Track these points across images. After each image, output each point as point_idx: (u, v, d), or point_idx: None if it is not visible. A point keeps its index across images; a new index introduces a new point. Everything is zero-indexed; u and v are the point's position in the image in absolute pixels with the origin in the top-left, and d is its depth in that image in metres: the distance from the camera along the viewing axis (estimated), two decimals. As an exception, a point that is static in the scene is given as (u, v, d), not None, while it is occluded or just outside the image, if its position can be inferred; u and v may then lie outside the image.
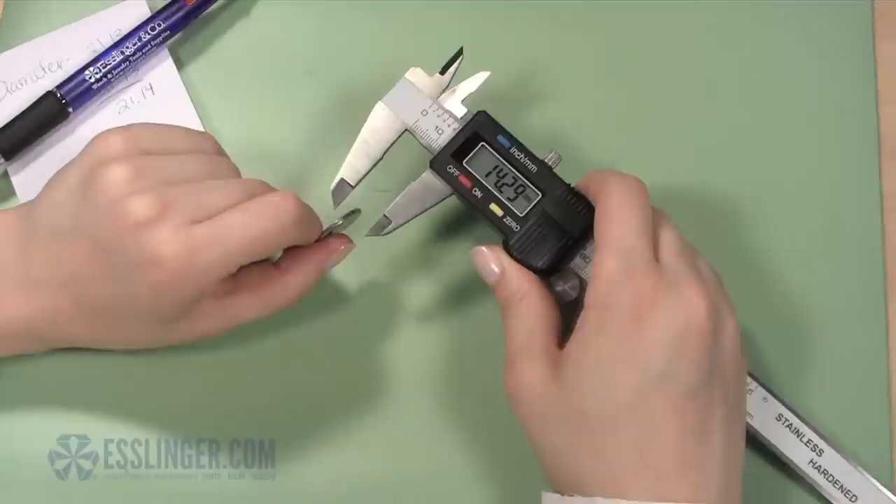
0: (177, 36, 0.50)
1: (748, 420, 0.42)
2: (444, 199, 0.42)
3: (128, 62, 0.48)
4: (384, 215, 0.42)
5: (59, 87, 0.48)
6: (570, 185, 0.42)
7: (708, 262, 0.41)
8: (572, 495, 0.37)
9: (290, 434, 0.45)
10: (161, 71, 0.50)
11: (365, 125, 0.43)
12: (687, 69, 0.51)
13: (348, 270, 0.47)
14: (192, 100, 0.49)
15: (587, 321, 0.38)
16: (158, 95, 0.49)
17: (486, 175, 0.42)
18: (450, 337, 0.46)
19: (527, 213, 0.42)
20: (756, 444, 0.43)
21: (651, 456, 0.36)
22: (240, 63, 0.50)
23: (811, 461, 0.43)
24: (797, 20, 0.51)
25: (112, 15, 0.50)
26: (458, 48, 0.44)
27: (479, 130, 0.42)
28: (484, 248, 0.42)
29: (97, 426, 0.45)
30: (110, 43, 0.49)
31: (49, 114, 0.47)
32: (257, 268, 0.43)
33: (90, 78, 0.48)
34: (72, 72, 0.48)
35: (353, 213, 0.43)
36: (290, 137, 0.49)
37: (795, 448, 0.43)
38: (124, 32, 0.49)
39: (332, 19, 0.51)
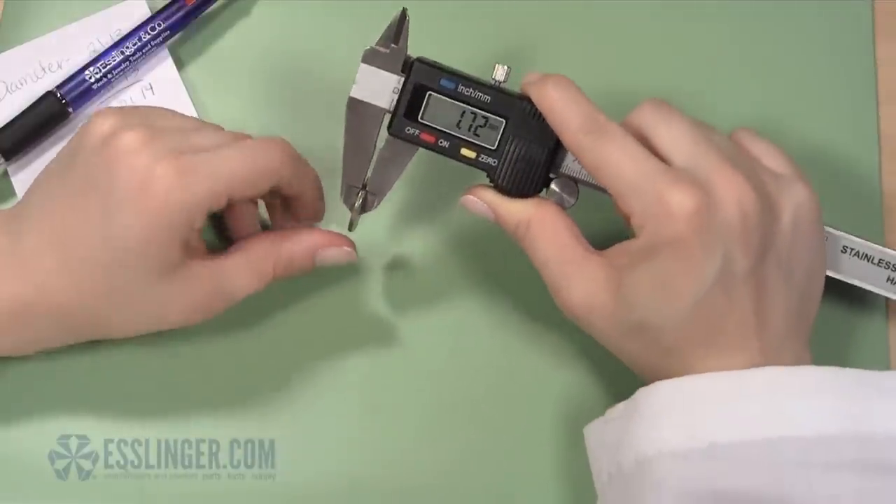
0: (177, 36, 0.50)
1: None
2: (415, 154, 0.42)
3: (128, 62, 0.48)
4: (368, 192, 0.42)
5: (59, 87, 0.48)
6: (528, 97, 0.41)
7: (719, 132, 0.41)
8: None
9: (290, 434, 0.45)
10: (161, 71, 0.50)
11: (345, 125, 0.42)
12: (685, 68, 0.51)
13: (348, 270, 0.47)
14: (192, 100, 0.49)
15: (634, 250, 0.39)
16: (158, 95, 0.49)
17: (446, 122, 0.41)
18: (450, 336, 0.46)
19: (498, 144, 0.41)
20: (828, 284, 0.42)
21: (716, 338, 0.38)
22: (240, 63, 0.50)
23: (889, 279, 0.43)
24: (797, 20, 0.51)
25: (112, 15, 0.50)
26: (400, 11, 0.42)
27: (421, 80, 0.41)
28: (469, 196, 0.42)
29: (97, 426, 0.45)
30: (110, 43, 0.49)
31: (49, 114, 0.47)
32: (251, 232, 0.44)
33: (90, 78, 0.48)
34: (72, 72, 0.48)
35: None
36: (290, 137, 0.49)
37: (870, 272, 0.43)
38: (124, 32, 0.49)
39: (332, 19, 0.51)
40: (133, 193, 0.38)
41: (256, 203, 0.45)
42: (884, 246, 0.44)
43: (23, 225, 0.41)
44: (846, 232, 0.43)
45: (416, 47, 0.42)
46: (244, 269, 0.42)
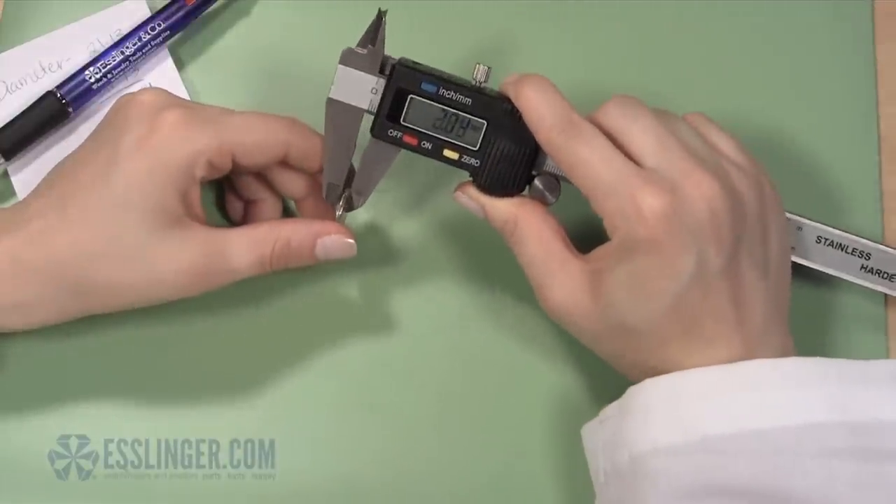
0: (177, 36, 0.50)
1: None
2: (398, 154, 0.42)
3: (128, 62, 0.48)
4: (352, 191, 0.43)
5: (59, 87, 0.48)
6: (508, 98, 0.41)
7: (685, 123, 0.41)
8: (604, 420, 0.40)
9: (290, 434, 0.45)
10: (161, 71, 0.50)
11: (325, 125, 0.42)
12: (685, 68, 0.51)
13: (347, 270, 0.47)
14: (192, 100, 0.49)
15: (611, 251, 0.39)
16: (158, 95, 0.49)
17: (428, 124, 0.42)
18: (450, 335, 0.46)
19: (481, 145, 0.42)
20: (803, 273, 0.42)
21: (696, 335, 0.38)
22: (240, 63, 0.50)
23: (862, 267, 0.43)
24: (797, 20, 0.51)
25: (112, 15, 0.50)
26: (377, 13, 0.42)
27: (402, 84, 0.42)
28: (459, 193, 0.43)
29: (97, 426, 0.45)
30: (110, 43, 0.49)
31: (49, 114, 0.47)
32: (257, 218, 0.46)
33: (90, 78, 0.48)
34: (72, 72, 0.48)
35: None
36: (290, 137, 0.49)
37: (843, 261, 0.43)
38: (124, 32, 0.49)
39: (333, 19, 0.51)
40: (141, 136, 0.40)
41: (281, 203, 0.46)
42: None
43: (30, 197, 0.43)
44: (820, 222, 0.44)
45: (400, 46, 0.42)
46: (244, 241, 0.42)
